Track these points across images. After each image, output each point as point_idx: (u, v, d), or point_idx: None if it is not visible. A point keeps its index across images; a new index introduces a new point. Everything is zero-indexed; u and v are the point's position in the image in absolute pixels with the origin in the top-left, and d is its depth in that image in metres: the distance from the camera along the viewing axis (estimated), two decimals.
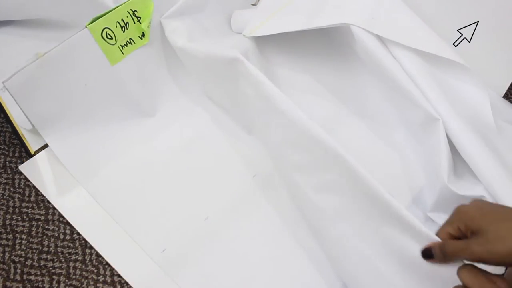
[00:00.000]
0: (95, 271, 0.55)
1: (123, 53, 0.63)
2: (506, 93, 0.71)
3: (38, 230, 0.57)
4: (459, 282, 0.38)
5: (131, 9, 0.61)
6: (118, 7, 0.60)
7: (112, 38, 0.60)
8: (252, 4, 0.78)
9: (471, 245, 0.37)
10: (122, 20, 0.61)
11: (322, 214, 0.53)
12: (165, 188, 0.61)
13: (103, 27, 0.60)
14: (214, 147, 0.65)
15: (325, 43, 0.75)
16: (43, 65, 0.56)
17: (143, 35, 0.64)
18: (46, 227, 0.58)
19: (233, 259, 0.56)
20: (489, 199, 0.55)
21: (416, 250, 0.42)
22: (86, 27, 0.58)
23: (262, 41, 0.70)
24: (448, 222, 0.40)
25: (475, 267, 0.37)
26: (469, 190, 0.55)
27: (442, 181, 0.56)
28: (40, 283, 0.54)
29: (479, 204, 0.39)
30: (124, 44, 0.63)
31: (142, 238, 0.57)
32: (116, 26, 0.61)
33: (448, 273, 0.39)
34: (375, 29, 0.61)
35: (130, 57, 0.64)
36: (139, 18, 0.62)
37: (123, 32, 0.62)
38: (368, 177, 0.46)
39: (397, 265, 0.46)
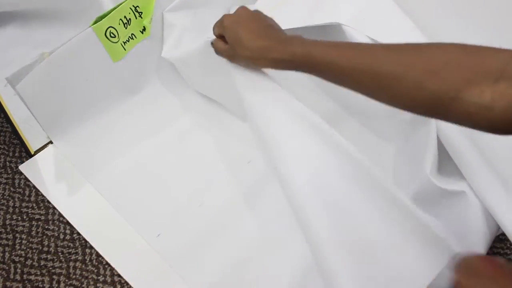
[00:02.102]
0: (95, 271, 0.55)
1: (125, 49, 0.64)
2: None
3: (38, 230, 0.57)
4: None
5: (133, 5, 0.62)
6: (121, 5, 0.61)
7: (115, 36, 0.61)
8: None
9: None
10: (124, 17, 0.62)
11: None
12: (161, 175, 0.62)
13: (107, 26, 0.60)
14: (209, 135, 0.66)
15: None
16: (48, 65, 0.57)
17: (144, 29, 0.65)
18: (46, 227, 0.58)
19: (228, 242, 0.57)
20: (471, 194, 0.55)
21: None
22: (90, 26, 0.58)
23: None
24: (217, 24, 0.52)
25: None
26: (450, 184, 0.56)
27: (424, 172, 0.56)
28: (40, 283, 0.54)
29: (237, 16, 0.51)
30: (126, 40, 0.63)
31: (138, 223, 0.57)
32: (119, 24, 0.61)
33: None
34: (365, 30, 0.61)
35: (132, 52, 0.65)
36: (140, 14, 0.63)
37: (126, 28, 0.62)
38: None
39: (393, 236, 0.46)
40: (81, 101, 0.63)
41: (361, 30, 0.61)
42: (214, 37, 0.56)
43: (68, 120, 0.63)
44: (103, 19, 0.59)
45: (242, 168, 0.63)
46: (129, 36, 0.63)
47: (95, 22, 0.59)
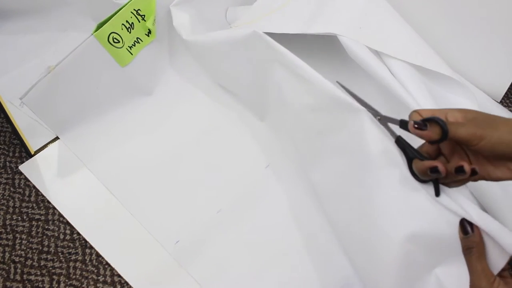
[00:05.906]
0: (95, 271, 0.55)
1: (132, 54, 0.64)
2: (506, 93, 0.72)
3: (38, 230, 0.57)
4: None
5: (134, 9, 0.62)
6: (122, 9, 0.60)
7: (119, 42, 0.61)
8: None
9: None
10: (126, 21, 0.61)
11: (338, 178, 0.53)
12: (178, 179, 0.62)
13: (109, 32, 0.60)
14: (226, 137, 0.66)
15: (321, 44, 0.75)
16: (55, 78, 0.58)
17: (150, 32, 0.64)
18: (46, 227, 0.58)
19: (246, 251, 0.56)
20: (474, 201, 0.56)
21: (429, 211, 0.43)
22: (92, 34, 0.59)
23: None
24: None
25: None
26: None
27: None
28: (40, 283, 0.54)
29: None
30: (132, 44, 0.63)
31: (156, 230, 0.57)
32: (122, 29, 0.61)
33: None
34: (361, 39, 0.61)
35: (140, 56, 0.65)
36: (143, 16, 0.63)
37: (129, 33, 0.62)
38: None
39: (407, 227, 0.45)
40: (94, 108, 0.65)
41: (357, 40, 0.61)
42: (238, 25, 0.55)
43: (81, 124, 0.64)
44: (104, 25, 0.59)
45: (260, 173, 0.62)
46: (135, 40, 0.63)
47: (97, 29, 0.59)
